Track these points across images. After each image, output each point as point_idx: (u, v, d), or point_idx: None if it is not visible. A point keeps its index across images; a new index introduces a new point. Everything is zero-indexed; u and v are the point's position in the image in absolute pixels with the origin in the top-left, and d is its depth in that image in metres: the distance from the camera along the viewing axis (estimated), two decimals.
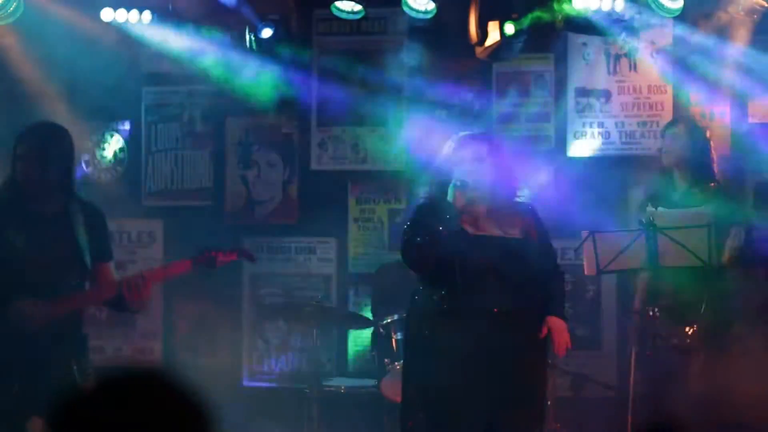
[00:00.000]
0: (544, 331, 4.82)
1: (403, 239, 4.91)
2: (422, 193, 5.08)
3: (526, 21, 6.67)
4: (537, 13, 6.67)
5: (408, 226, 4.93)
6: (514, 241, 4.83)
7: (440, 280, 4.78)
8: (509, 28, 6.68)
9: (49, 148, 4.69)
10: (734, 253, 5.30)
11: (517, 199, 4.97)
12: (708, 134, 6.02)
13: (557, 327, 4.83)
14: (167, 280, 4.85)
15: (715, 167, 5.93)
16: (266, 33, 7.03)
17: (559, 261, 7.12)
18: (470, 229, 4.82)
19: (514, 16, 6.63)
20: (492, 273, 4.72)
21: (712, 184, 5.82)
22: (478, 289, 4.72)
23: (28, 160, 4.67)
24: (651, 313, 5.71)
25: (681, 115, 6.52)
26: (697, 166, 5.84)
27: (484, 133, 5.10)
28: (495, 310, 4.71)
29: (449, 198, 4.74)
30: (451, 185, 4.74)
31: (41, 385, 4.51)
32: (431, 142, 5.80)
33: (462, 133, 5.07)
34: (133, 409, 1.63)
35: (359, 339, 7.27)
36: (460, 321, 4.71)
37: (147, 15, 6.92)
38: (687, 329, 5.69)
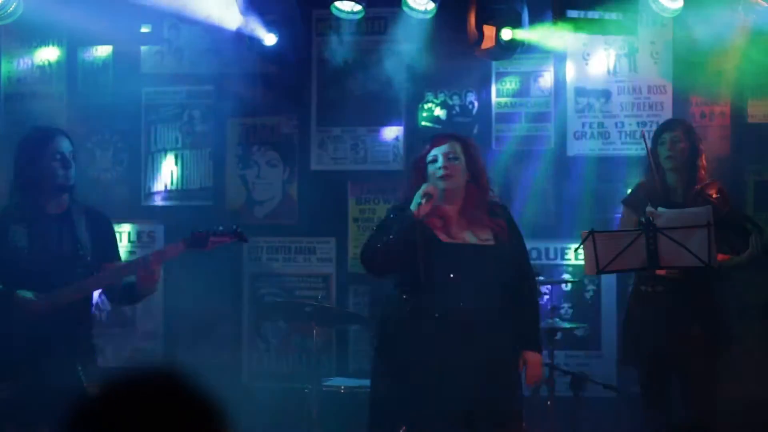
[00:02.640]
0: (521, 365, 4.84)
1: (364, 242, 4.90)
2: (398, 194, 5.06)
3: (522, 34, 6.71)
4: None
5: (374, 229, 4.93)
6: (486, 248, 4.78)
7: (409, 285, 4.75)
8: (506, 34, 6.69)
9: (48, 150, 4.75)
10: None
11: (490, 199, 4.95)
12: (699, 135, 6.02)
13: (532, 362, 4.85)
14: (164, 261, 4.87)
15: (704, 169, 5.91)
16: (270, 40, 7.04)
17: (557, 261, 7.14)
18: (442, 236, 4.78)
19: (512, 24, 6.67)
20: (463, 280, 4.69)
21: (698, 186, 5.81)
22: (448, 295, 4.68)
23: (28, 160, 4.74)
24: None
25: (676, 118, 6.50)
26: (691, 167, 5.84)
27: (457, 132, 5.10)
28: (464, 316, 4.66)
29: (412, 207, 4.67)
30: (416, 195, 4.69)
31: (46, 386, 4.55)
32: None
33: (435, 133, 5.11)
34: (146, 411, 1.62)
35: (359, 339, 7.27)
36: (430, 326, 4.68)
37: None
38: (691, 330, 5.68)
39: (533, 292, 5.03)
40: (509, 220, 4.94)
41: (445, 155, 4.81)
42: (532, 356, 4.86)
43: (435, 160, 4.82)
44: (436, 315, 4.68)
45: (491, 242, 4.81)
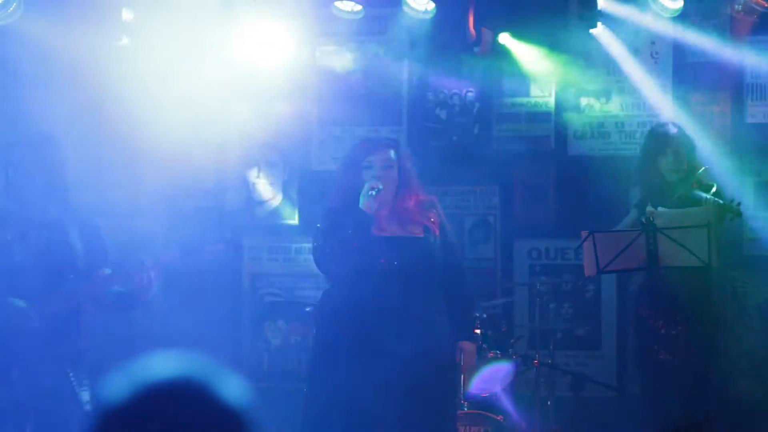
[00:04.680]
0: (458, 355, 4.97)
1: (314, 245, 4.97)
2: (331, 196, 5.08)
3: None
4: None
5: (319, 231, 4.97)
6: (415, 239, 4.89)
7: (346, 279, 4.86)
8: (504, 38, 6.69)
9: (39, 157, 4.72)
10: None
11: (421, 200, 5.02)
12: (694, 134, 5.99)
13: (467, 351, 5.01)
14: (159, 268, 4.87)
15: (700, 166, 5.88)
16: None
17: (557, 261, 7.13)
18: (374, 230, 4.88)
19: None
20: (395, 272, 4.79)
21: (694, 184, 5.76)
22: (382, 288, 4.77)
23: (18, 167, 4.71)
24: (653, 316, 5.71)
25: (669, 119, 6.46)
26: (688, 166, 5.79)
27: (389, 138, 5.15)
28: (396, 305, 4.77)
29: (361, 205, 4.79)
30: (363, 193, 4.79)
31: (37, 390, 4.54)
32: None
33: (367, 138, 5.19)
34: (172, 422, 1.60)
35: None
36: (364, 320, 4.77)
37: None
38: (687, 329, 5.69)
39: (464, 284, 5.11)
40: (440, 218, 5.02)
41: (381, 163, 4.90)
42: (466, 345, 5.00)
43: (370, 167, 4.89)
44: (370, 306, 4.76)
45: (420, 235, 4.91)
